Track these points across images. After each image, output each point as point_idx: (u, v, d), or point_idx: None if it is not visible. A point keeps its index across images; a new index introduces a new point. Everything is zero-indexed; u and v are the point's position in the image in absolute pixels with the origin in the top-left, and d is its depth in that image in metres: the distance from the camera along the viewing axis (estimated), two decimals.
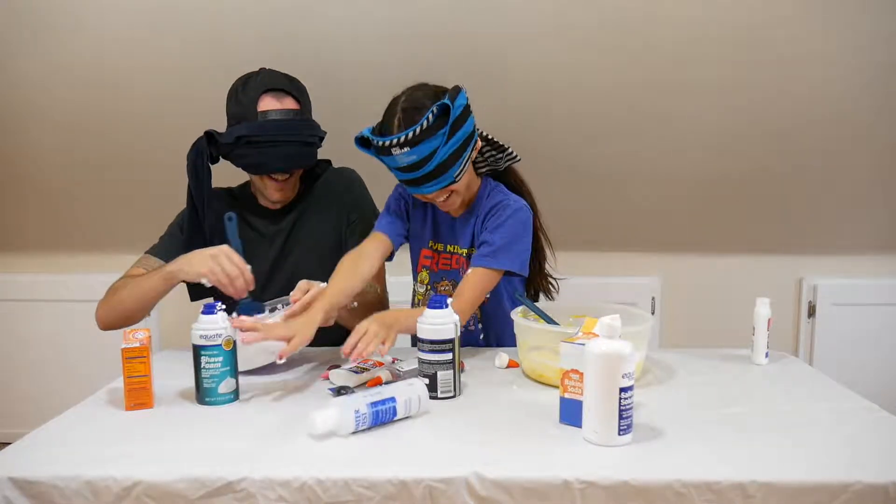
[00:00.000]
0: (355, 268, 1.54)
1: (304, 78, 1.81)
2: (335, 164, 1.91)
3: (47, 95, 2.33)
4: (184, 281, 1.58)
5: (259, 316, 1.49)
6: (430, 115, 1.39)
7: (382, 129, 1.47)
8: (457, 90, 1.45)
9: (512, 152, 1.60)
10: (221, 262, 1.49)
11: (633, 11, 2.14)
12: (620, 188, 2.51)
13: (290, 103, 1.70)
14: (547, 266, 1.69)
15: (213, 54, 2.20)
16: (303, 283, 1.49)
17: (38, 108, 2.37)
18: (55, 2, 2.14)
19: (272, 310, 1.55)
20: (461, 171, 1.47)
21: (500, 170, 1.63)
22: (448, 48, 2.15)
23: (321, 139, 1.78)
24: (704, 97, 2.31)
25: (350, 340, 1.32)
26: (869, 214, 2.57)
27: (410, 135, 1.39)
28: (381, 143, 1.42)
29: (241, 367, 1.32)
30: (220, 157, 1.74)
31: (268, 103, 1.68)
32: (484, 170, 1.63)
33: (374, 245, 1.60)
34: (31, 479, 0.98)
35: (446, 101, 1.40)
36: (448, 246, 1.64)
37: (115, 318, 1.64)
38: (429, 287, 1.66)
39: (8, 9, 2.16)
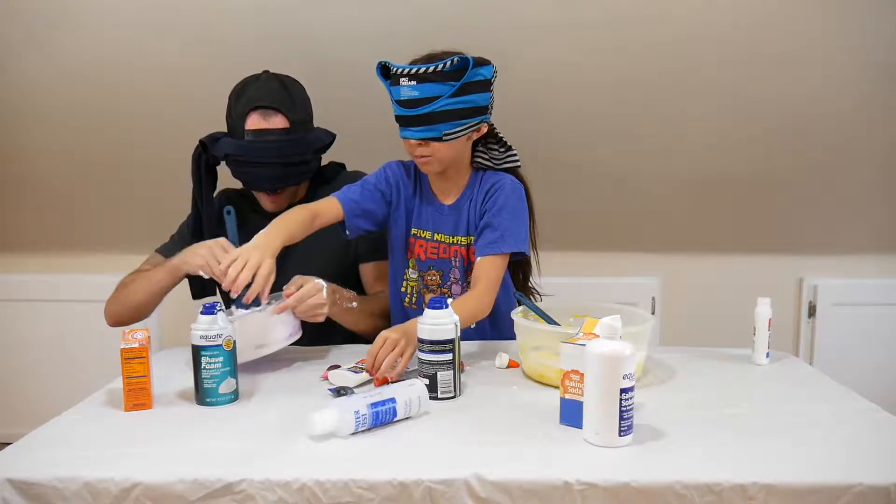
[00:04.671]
0: (311, 225, 1.54)
1: (303, 78, 1.80)
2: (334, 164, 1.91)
3: (47, 95, 2.32)
4: (187, 274, 1.60)
5: (255, 308, 1.50)
6: (448, 62, 1.44)
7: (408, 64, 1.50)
8: (487, 62, 1.49)
9: (515, 155, 1.61)
10: (217, 254, 1.50)
11: (633, 11, 2.13)
12: (620, 188, 2.50)
13: (278, 122, 1.68)
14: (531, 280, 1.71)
15: (213, 54, 2.20)
16: (297, 279, 1.50)
17: (38, 108, 2.36)
18: (55, 2, 2.14)
19: (269, 303, 1.55)
20: (453, 133, 1.48)
21: (495, 169, 1.61)
22: (448, 46, 2.14)
23: (322, 149, 1.78)
24: (704, 97, 2.30)
25: (372, 349, 1.32)
26: (869, 214, 2.56)
27: (422, 70, 1.44)
28: (395, 69, 1.47)
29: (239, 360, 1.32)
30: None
31: (254, 122, 1.68)
32: (481, 163, 1.61)
33: (330, 210, 1.58)
34: (30, 481, 0.98)
35: (469, 58, 1.44)
36: (436, 235, 1.63)
37: (124, 312, 1.65)
38: (420, 272, 1.64)
39: (8, 9, 2.15)
